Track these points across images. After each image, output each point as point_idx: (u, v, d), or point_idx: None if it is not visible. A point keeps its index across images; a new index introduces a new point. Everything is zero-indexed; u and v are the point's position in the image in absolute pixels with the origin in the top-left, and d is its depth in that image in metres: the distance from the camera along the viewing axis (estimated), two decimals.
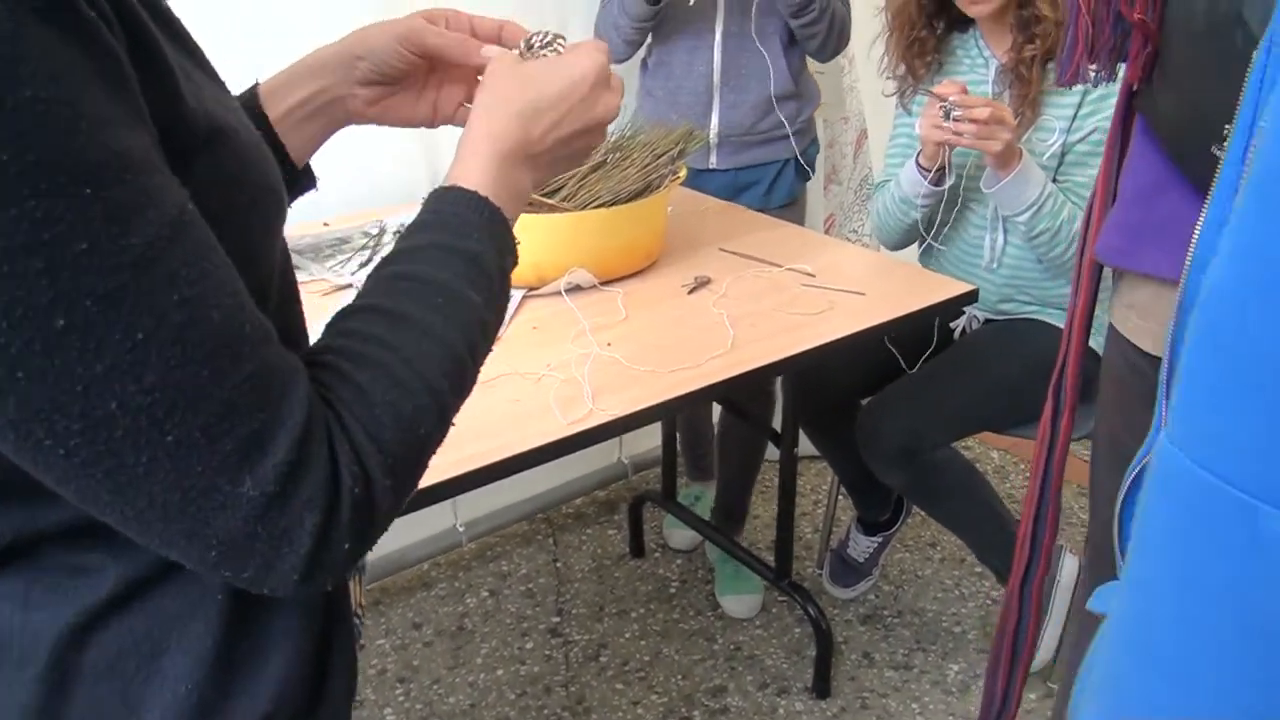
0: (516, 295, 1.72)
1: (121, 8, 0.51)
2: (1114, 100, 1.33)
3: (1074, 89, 1.88)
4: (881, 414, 1.96)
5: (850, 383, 2.13)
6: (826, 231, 2.76)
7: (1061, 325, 1.99)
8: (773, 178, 2.25)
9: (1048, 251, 1.93)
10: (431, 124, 0.92)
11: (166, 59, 0.53)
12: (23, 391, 0.47)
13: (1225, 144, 1.01)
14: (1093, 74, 1.18)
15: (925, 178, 1.96)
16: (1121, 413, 1.29)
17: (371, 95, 0.88)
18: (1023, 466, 2.86)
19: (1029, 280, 2.02)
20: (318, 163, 0.94)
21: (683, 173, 1.85)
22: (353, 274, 1.80)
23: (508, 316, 1.61)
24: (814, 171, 2.34)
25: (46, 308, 0.46)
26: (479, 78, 0.80)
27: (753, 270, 1.81)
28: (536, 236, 1.70)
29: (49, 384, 0.47)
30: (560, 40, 0.84)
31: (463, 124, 0.77)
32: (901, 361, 2.08)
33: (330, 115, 0.88)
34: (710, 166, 2.22)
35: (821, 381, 2.10)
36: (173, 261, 0.49)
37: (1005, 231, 2.01)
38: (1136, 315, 1.21)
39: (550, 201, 1.75)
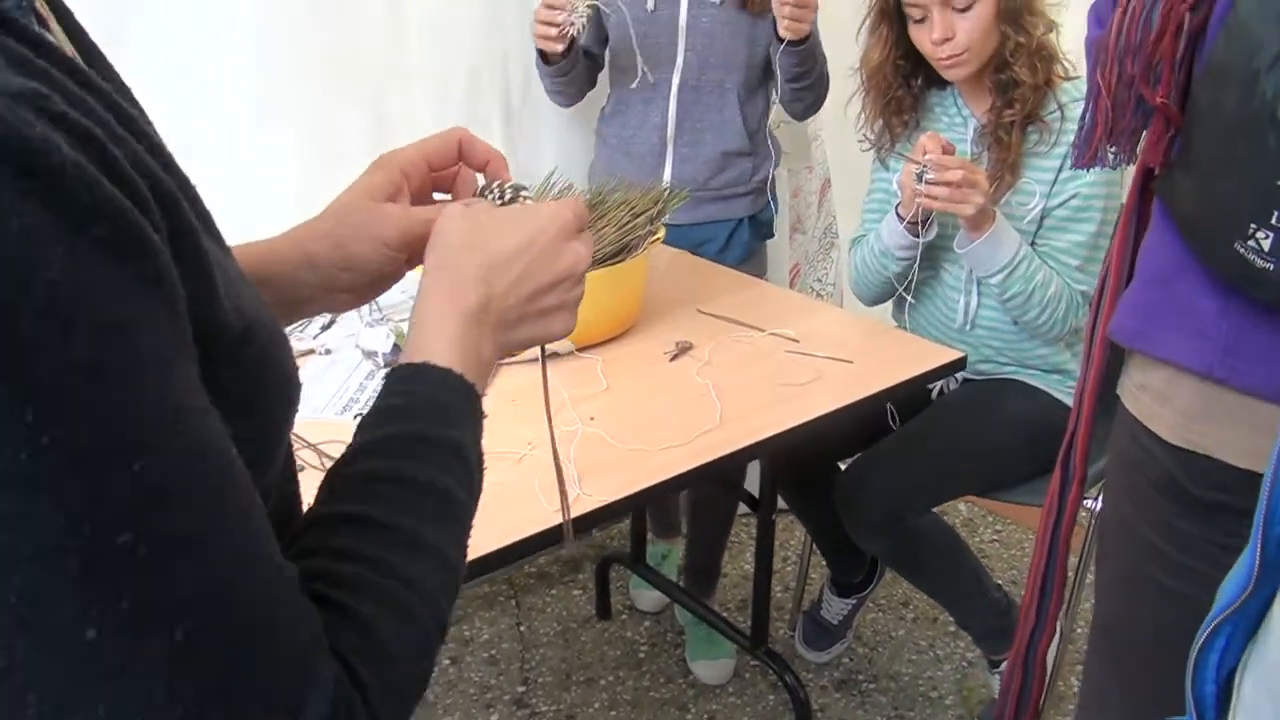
0: None
1: (167, 204, 0.45)
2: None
3: (1053, 153, 1.85)
4: (862, 482, 1.91)
5: (828, 445, 2.07)
6: (791, 282, 2.72)
7: (1041, 386, 1.99)
8: (727, 235, 2.19)
9: (1021, 315, 1.89)
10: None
11: (208, 259, 0.47)
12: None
13: (1249, 242, 0.99)
14: (1111, 156, 1.14)
15: (905, 226, 1.91)
16: (1131, 496, 1.24)
17: (354, 298, 0.79)
18: (990, 519, 2.83)
19: (1006, 342, 1.98)
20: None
21: (661, 233, 1.79)
22: (314, 338, 1.71)
23: None
24: (773, 233, 2.30)
25: (73, 622, 0.40)
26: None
27: (734, 335, 1.75)
28: None
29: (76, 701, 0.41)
30: (524, 193, 0.77)
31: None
32: (892, 419, 2.02)
33: (293, 310, 0.78)
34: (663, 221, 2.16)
35: (805, 444, 2.04)
36: (214, 545, 0.44)
37: (980, 293, 1.97)
38: (1150, 398, 1.17)
39: None
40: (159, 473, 0.41)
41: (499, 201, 0.76)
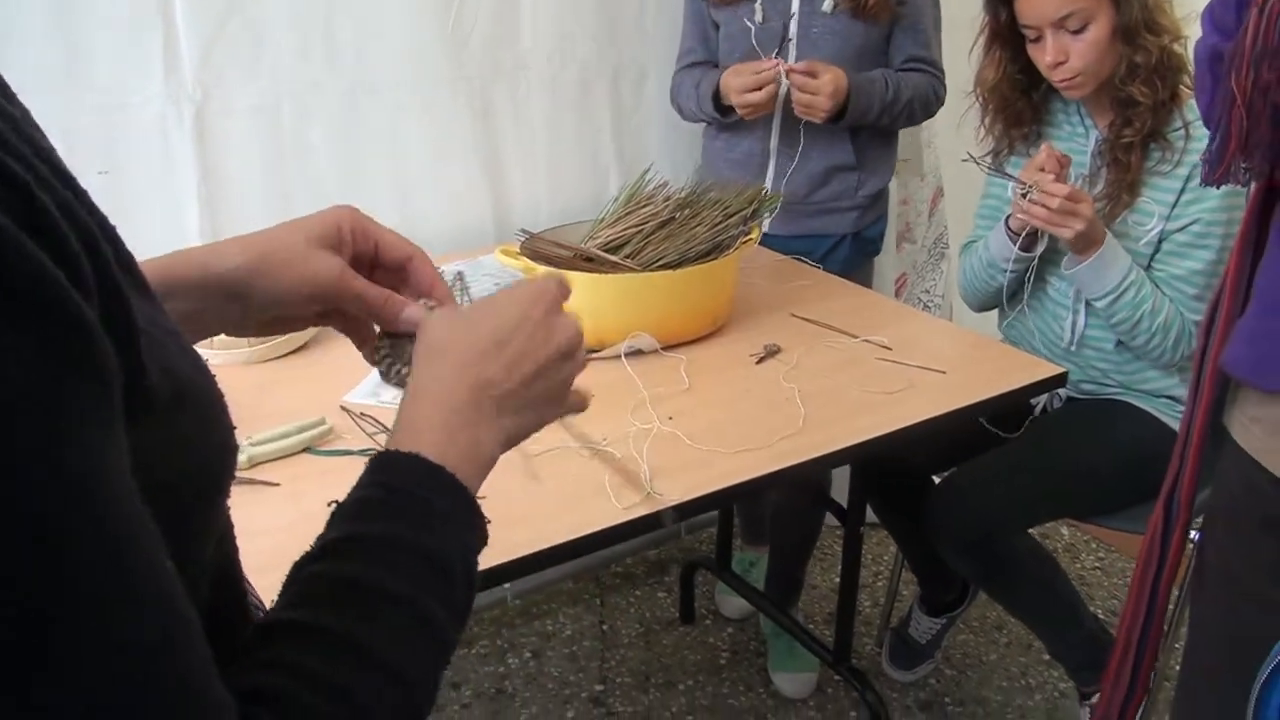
0: None
1: (95, 259, 0.42)
2: (1217, 190, 1.22)
3: (1175, 173, 1.75)
4: (954, 499, 1.84)
5: (923, 457, 2.01)
6: (897, 292, 2.65)
7: (1149, 409, 1.89)
8: (827, 250, 2.14)
9: (1129, 340, 1.81)
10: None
11: (135, 325, 0.44)
12: None
13: None
14: (1244, 173, 1.05)
15: (1015, 242, 1.84)
16: (1233, 534, 1.16)
17: (233, 331, 0.74)
18: (1094, 545, 2.71)
19: (1113, 364, 1.89)
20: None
21: (755, 234, 1.76)
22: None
23: None
24: (879, 248, 2.24)
25: None
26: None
27: (826, 340, 1.71)
28: (599, 297, 1.62)
29: None
30: (461, 279, 0.74)
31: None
32: (993, 429, 1.94)
33: (197, 332, 0.71)
34: (763, 231, 2.12)
35: (892, 454, 1.99)
36: (125, 651, 0.41)
37: (1087, 312, 1.88)
38: (1262, 431, 1.09)
39: (614, 259, 1.67)
40: (77, 565, 0.39)
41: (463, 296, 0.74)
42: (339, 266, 0.71)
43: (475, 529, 0.62)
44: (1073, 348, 1.91)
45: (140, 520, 0.42)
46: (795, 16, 1.99)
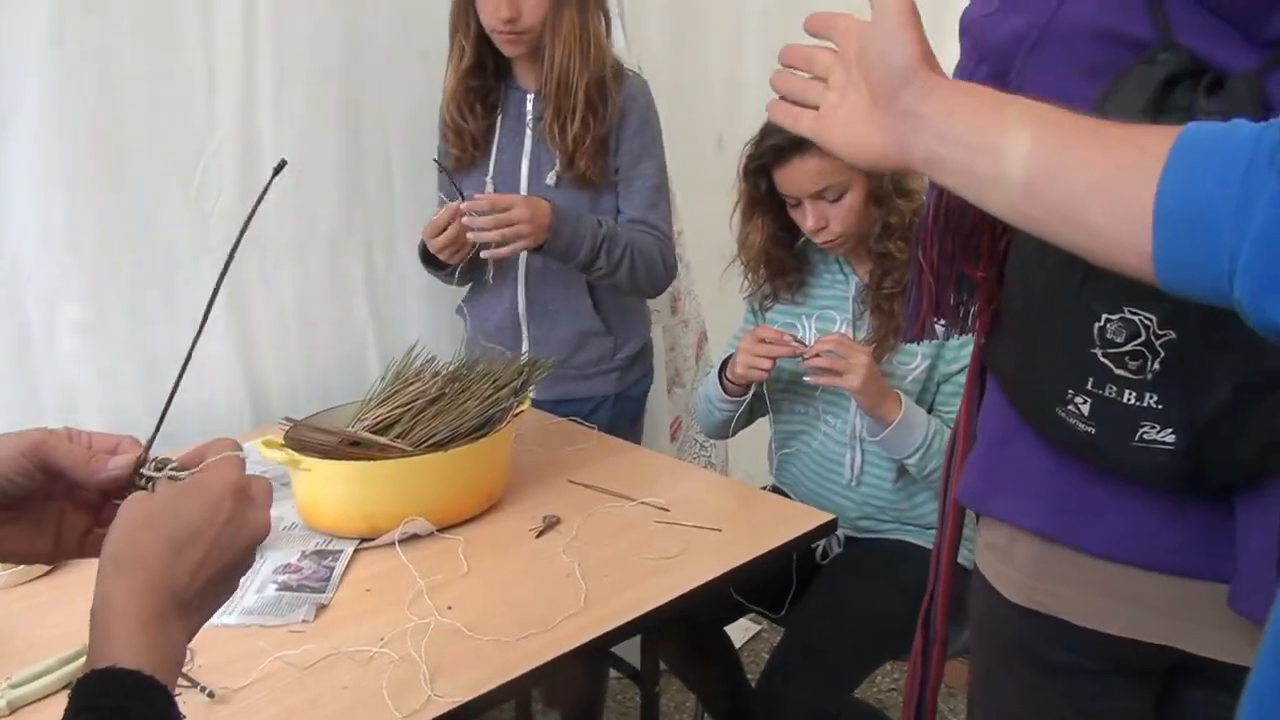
0: (348, 548, 1.57)
1: None
2: None
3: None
4: (777, 701, 1.83)
5: (710, 608, 2.03)
6: (673, 435, 2.71)
7: (924, 545, 1.98)
8: (589, 411, 2.14)
9: (922, 473, 1.89)
10: (52, 558, 0.78)
11: None
12: None
13: (1069, 407, 1.00)
14: (940, 330, 1.16)
15: (725, 389, 1.99)
16: (989, 660, 1.23)
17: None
18: (888, 667, 2.78)
19: (888, 500, 1.98)
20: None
21: (526, 404, 1.76)
22: None
23: (337, 574, 1.47)
24: (643, 406, 2.28)
25: None
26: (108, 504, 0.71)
27: (604, 505, 1.71)
28: (369, 484, 1.57)
29: None
30: (173, 466, 0.74)
31: (91, 555, 0.68)
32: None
33: None
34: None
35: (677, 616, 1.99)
36: None
37: (863, 449, 1.97)
38: (995, 556, 1.18)
39: (384, 440, 1.63)
40: None
41: (157, 478, 0.74)
42: (42, 432, 0.74)
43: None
44: (853, 484, 1.99)
45: None
46: (523, 187, 2.04)
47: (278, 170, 0.81)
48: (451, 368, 1.77)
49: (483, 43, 2.01)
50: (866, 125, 0.82)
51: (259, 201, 0.80)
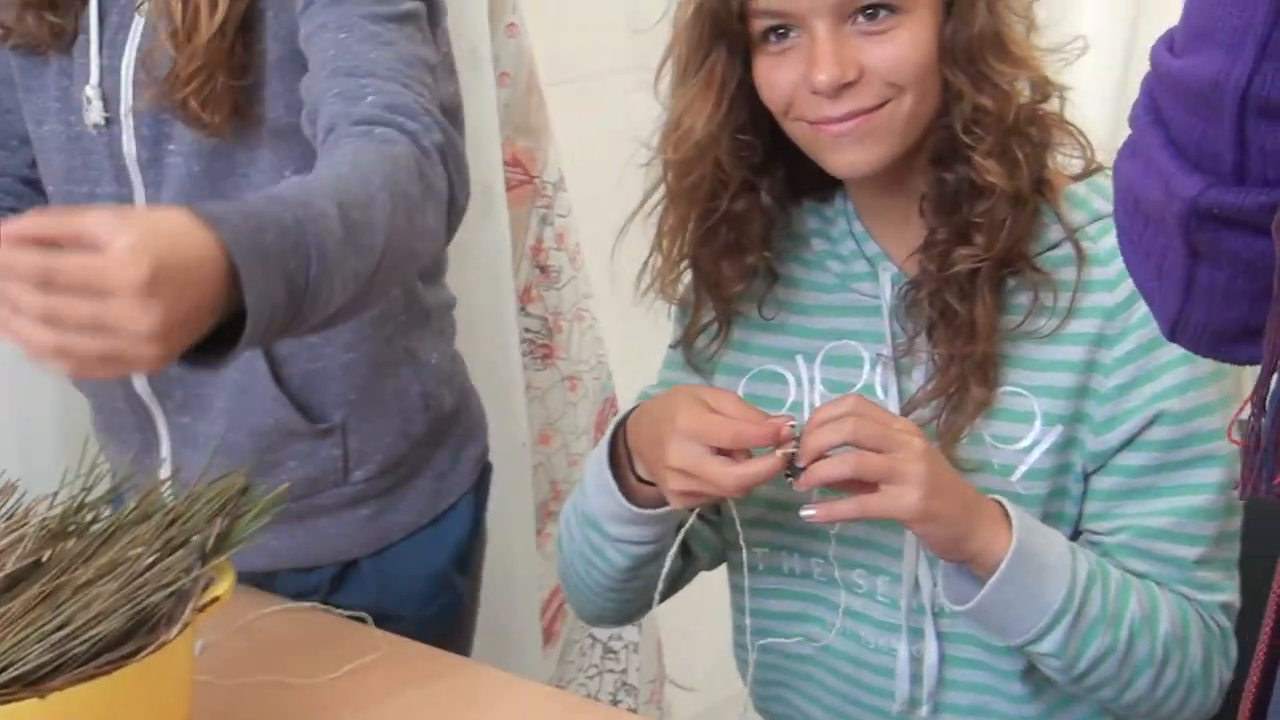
0: None
1: None
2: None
3: (1068, 332, 0.91)
4: None
5: None
6: (547, 633, 1.72)
7: None
8: (343, 588, 1.15)
9: (1117, 697, 0.91)
10: None
11: None
12: None
13: None
14: None
15: (630, 496, 0.94)
16: None
17: None
18: None
19: None
20: None
21: (227, 584, 0.82)
22: None
23: None
24: (470, 569, 1.28)
25: None
26: None
27: None
28: None
29: None
30: None
31: None
32: None
33: None
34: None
35: None
36: None
37: (938, 637, 0.97)
38: None
39: None
40: None
41: None
42: None
43: None
44: (922, 711, 0.97)
45: None
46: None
47: None
48: (72, 502, 0.83)
49: None
50: None
51: None
